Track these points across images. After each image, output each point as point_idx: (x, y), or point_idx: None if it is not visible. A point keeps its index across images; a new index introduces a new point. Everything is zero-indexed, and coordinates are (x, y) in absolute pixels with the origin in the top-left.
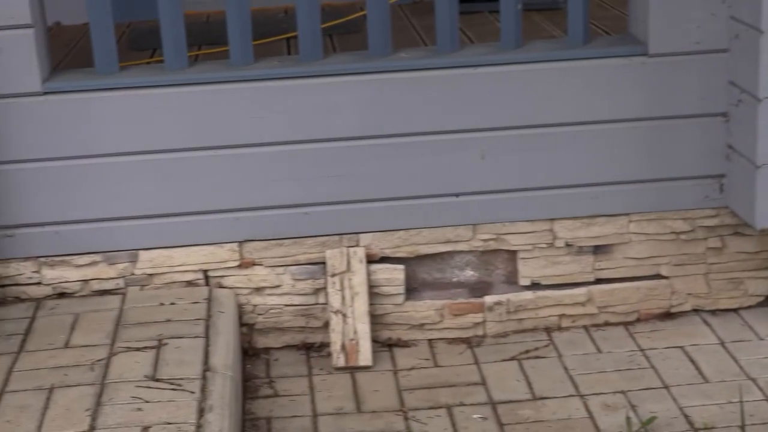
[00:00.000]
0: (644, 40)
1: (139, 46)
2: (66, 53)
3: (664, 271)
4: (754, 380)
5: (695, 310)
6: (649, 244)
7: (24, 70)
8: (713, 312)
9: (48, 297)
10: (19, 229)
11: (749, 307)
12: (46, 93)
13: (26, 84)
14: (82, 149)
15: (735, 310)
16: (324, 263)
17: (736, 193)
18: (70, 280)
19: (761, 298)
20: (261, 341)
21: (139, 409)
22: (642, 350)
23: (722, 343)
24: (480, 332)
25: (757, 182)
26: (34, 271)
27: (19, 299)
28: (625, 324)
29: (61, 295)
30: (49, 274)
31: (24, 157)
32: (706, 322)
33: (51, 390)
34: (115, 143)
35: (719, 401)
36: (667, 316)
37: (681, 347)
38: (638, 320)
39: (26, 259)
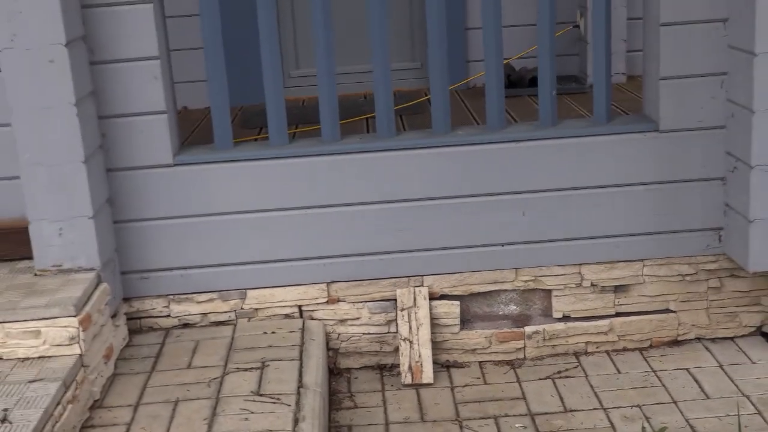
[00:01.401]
0: (656, 119)
1: (249, 125)
2: (191, 131)
3: (672, 306)
4: (748, 397)
5: (698, 339)
6: (659, 284)
7: (159, 146)
8: (713, 340)
9: (174, 327)
10: (153, 273)
11: (743, 336)
12: (176, 165)
13: (161, 158)
14: (203, 209)
15: (731, 339)
16: (395, 300)
17: (732, 242)
18: (192, 314)
19: (753, 329)
20: (344, 363)
21: (246, 419)
22: (654, 371)
23: (721, 366)
24: (521, 356)
25: (750, 234)
26: (164, 306)
27: (152, 329)
28: (640, 350)
29: (185, 325)
30: (176, 308)
31: (158, 215)
32: (707, 349)
33: (176, 402)
34: (229, 204)
35: (719, 414)
36: (675, 343)
37: (686, 369)
38: (651, 346)
39: (158, 296)
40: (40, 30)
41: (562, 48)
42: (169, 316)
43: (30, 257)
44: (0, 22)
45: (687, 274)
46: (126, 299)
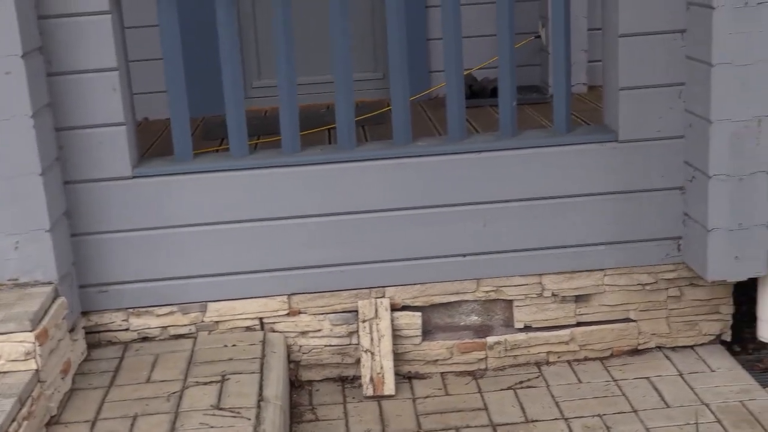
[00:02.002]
0: (615, 129)
1: (211, 136)
2: (152, 143)
3: (632, 316)
4: (707, 405)
5: (658, 347)
6: (620, 294)
7: (118, 158)
8: (673, 349)
9: (134, 341)
10: (112, 286)
11: (703, 344)
12: (135, 177)
13: (120, 170)
14: (162, 221)
15: (691, 347)
16: (356, 311)
17: (691, 251)
18: (152, 327)
19: (713, 337)
20: (305, 375)
21: None
22: (615, 381)
23: (681, 375)
24: (483, 366)
25: (708, 243)
26: (123, 320)
27: (111, 342)
28: (601, 359)
29: (145, 339)
30: (135, 322)
31: (117, 228)
32: (667, 357)
33: (135, 418)
34: (189, 216)
35: (679, 423)
36: (636, 352)
37: (647, 378)
38: (612, 356)
39: (117, 310)
40: None
41: (524, 58)
42: (128, 329)
43: None
44: None
45: (647, 284)
46: (84, 313)
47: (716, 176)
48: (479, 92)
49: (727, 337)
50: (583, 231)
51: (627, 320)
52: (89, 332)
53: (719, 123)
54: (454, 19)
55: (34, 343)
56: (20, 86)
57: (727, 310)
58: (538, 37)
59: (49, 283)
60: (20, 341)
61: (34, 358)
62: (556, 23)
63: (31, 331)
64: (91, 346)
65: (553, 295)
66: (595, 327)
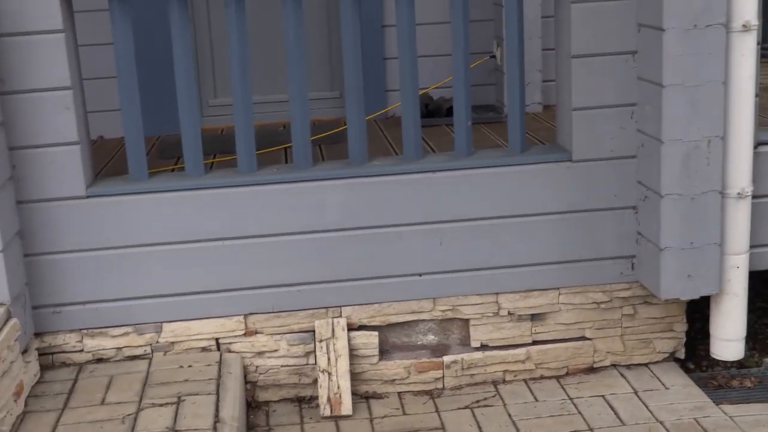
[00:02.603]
0: (569, 149)
1: (167, 155)
2: (107, 161)
3: (588, 334)
4: (662, 423)
5: (613, 365)
6: (575, 312)
7: (71, 178)
8: (628, 366)
9: (88, 362)
10: (66, 307)
11: (657, 362)
12: (88, 197)
13: (73, 189)
14: (117, 241)
15: (646, 365)
16: (313, 331)
17: (644, 270)
18: (107, 348)
19: (667, 355)
20: (262, 395)
21: None
22: (571, 399)
23: (636, 392)
24: (440, 386)
25: (661, 262)
26: (77, 341)
27: (64, 364)
28: (557, 377)
29: (99, 360)
30: (90, 343)
31: (70, 248)
32: (622, 375)
33: None
34: (144, 236)
35: None
36: (591, 370)
37: (602, 396)
38: (568, 374)
39: (71, 331)
40: None
41: (480, 78)
42: (82, 350)
43: None
44: None
45: (602, 302)
46: (37, 334)
47: (668, 195)
48: (435, 111)
49: (681, 355)
50: (538, 250)
51: (582, 338)
52: (42, 354)
53: (671, 143)
54: (410, 38)
55: None
56: None
57: (681, 327)
58: (493, 56)
59: (1, 304)
60: None
61: None
62: (510, 43)
63: None
64: (45, 367)
65: (509, 313)
66: (551, 345)
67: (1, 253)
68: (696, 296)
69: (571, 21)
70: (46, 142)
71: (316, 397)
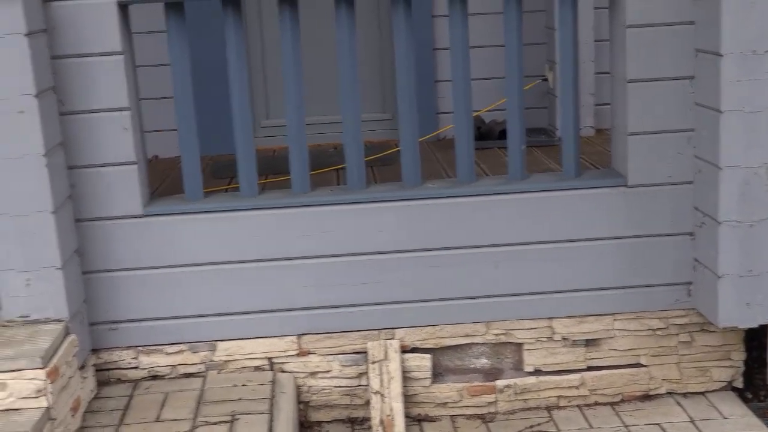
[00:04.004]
0: (624, 174)
1: (220, 175)
2: (162, 180)
3: (643, 361)
4: None
5: (669, 393)
6: (630, 338)
7: (129, 197)
8: (684, 395)
9: (143, 379)
10: (122, 324)
11: (714, 390)
12: (145, 216)
13: (130, 208)
14: (173, 260)
15: (702, 393)
16: (366, 352)
17: (701, 297)
18: (162, 365)
19: (724, 383)
20: (314, 416)
21: None
22: (626, 426)
23: (692, 421)
24: (493, 410)
25: (718, 289)
26: (133, 358)
27: (120, 380)
28: (612, 404)
29: (154, 377)
30: (145, 360)
31: (127, 266)
32: (678, 403)
33: None
34: (200, 255)
35: None
36: (646, 397)
37: (658, 424)
38: (622, 401)
39: (127, 347)
40: (10, 81)
41: (531, 101)
42: (137, 367)
43: None
44: None
45: (657, 329)
46: (94, 350)
47: (726, 222)
48: (487, 134)
49: (739, 384)
50: (593, 275)
51: (638, 365)
52: (99, 370)
53: (729, 169)
54: (463, 61)
55: (45, 380)
56: (33, 125)
57: (739, 356)
58: (545, 80)
59: (60, 320)
60: (31, 378)
61: (45, 395)
62: (564, 67)
63: (42, 369)
64: (101, 383)
65: (564, 338)
66: (606, 371)
67: (60, 271)
68: (754, 325)
69: (626, 46)
70: (105, 161)
71: (369, 419)
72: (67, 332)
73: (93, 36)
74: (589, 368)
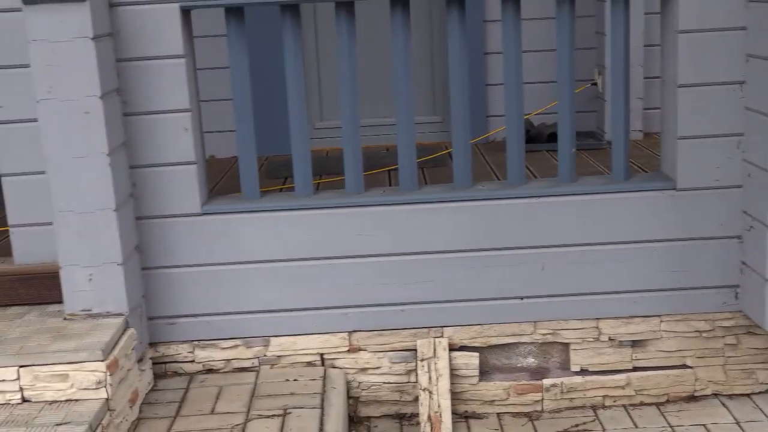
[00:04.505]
0: (674, 178)
1: (275, 175)
2: (219, 180)
3: (689, 362)
4: None
5: (715, 395)
6: (677, 340)
7: (188, 196)
8: (730, 396)
9: (199, 372)
10: (179, 319)
11: (760, 393)
12: (204, 214)
13: (189, 207)
14: (229, 257)
15: (748, 395)
16: (415, 350)
17: (748, 300)
18: (217, 359)
19: None
20: (364, 411)
21: None
22: (671, 427)
23: (738, 423)
24: (539, 408)
25: (766, 292)
26: (189, 352)
27: (176, 374)
28: (657, 404)
29: (209, 371)
30: (201, 354)
31: (185, 263)
32: (724, 405)
33: None
34: (255, 253)
35: None
36: (692, 398)
37: (704, 425)
38: (668, 401)
39: (183, 342)
40: (77, 82)
41: (580, 105)
42: (193, 361)
43: (60, 301)
44: (38, 75)
45: (704, 331)
46: (152, 344)
47: None
48: (536, 137)
49: None
50: (640, 277)
51: (683, 366)
52: (156, 363)
53: None
54: (516, 65)
55: (105, 372)
56: (98, 125)
57: None
58: (594, 84)
59: (120, 314)
60: (92, 370)
61: (105, 387)
62: (615, 71)
63: (102, 361)
64: (158, 376)
65: (610, 339)
66: (652, 372)
67: (121, 266)
68: None
69: (677, 51)
70: (165, 161)
71: (417, 415)
72: (126, 326)
73: (156, 39)
74: (635, 368)
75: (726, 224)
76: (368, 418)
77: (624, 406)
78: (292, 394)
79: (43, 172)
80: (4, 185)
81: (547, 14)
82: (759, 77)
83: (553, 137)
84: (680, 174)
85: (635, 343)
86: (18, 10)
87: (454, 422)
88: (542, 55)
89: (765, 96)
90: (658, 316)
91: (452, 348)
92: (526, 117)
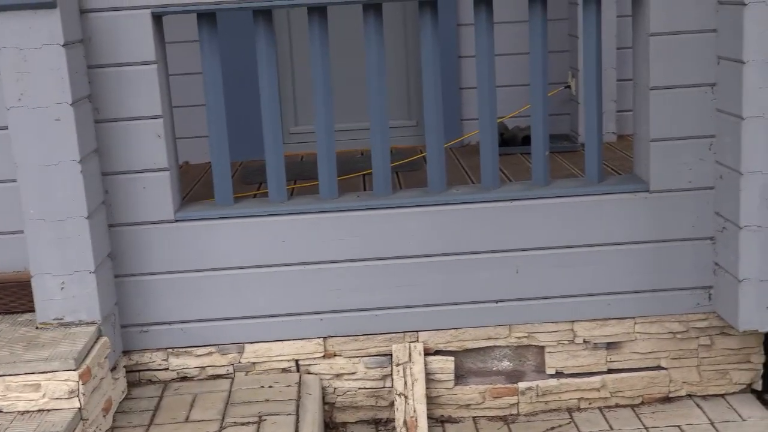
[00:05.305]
0: (646, 180)
1: (249, 180)
2: (192, 186)
3: (663, 363)
4: None
5: (689, 396)
6: (651, 342)
7: (161, 202)
8: (704, 397)
9: (173, 380)
10: (153, 326)
11: (734, 393)
12: (177, 221)
13: (162, 213)
14: (204, 264)
15: (722, 396)
16: (390, 355)
17: (722, 301)
18: (191, 367)
19: (744, 386)
20: (340, 417)
21: None
22: (646, 428)
23: (712, 423)
24: (514, 411)
25: (739, 293)
26: (162, 359)
27: (150, 381)
28: (632, 406)
29: (184, 378)
30: (175, 361)
31: (158, 270)
32: (698, 406)
33: None
34: (229, 259)
35: None
36: (667, 400)
37: (678, 426)
38: (643, 403)
39: (157, 349)
40: (47, 89)
41: (554, 107)
42: (167, 369)
43: (32, 310)
44: (8, 82)
45: (678, 332)
46: (125, 352)
47: (747, 227)
48: (510, 140)
49: (758, 386)
50: (614, 279)
51: (658, 368)
52: (130, 371)
53: (750, 175)
54: (489, 69)
55: (77, 381)
56: (69, 133)
57: (758, 359)
58: (568, 87)
59: (93, 322)
60: (64, 380)
61: (78, 396)
62: (588, 74)
63: (75, 370)
64: (132, 384)
65: (585, 341)
66: (626, 374)
67: (93, 274)
68: None
69: (649, 53)
70: (138, 168)
71: (393, 420)
72: (99, 334)
73: (128, 46)
74: (610, 371)
75: (698, 225)
76: (344, 423)
77: (599, 408)
78: (267, 400)
79: (14, 180)
80: None
81: (520, 18)
82: (730, 79)
83: (527, 140)
84: (653, 176)
85: (610, 345)
86: None
87: (430, 427)
88: (515, 58)
89: (736, 98)
90: (632, 317)
91: (427, 352)
92: (499, 120)
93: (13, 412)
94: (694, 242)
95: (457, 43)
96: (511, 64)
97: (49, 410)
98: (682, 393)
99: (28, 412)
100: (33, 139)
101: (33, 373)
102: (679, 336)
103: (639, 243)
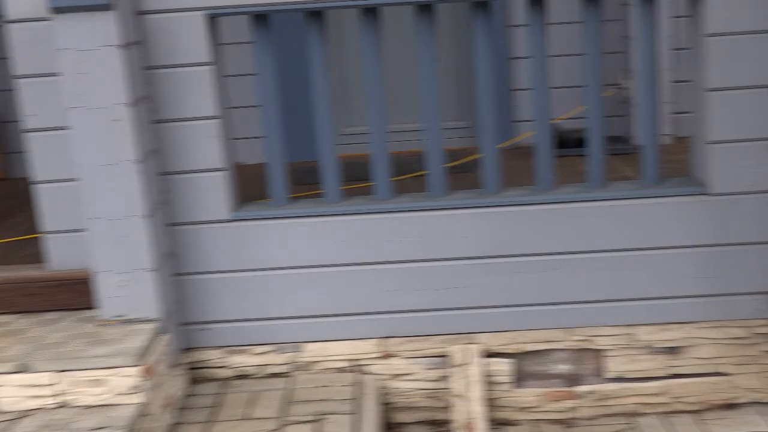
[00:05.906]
0: (705, 183)
1: (302, 181)
2: (248, 186)
3: (725, 369)
4: None
5: (752, 403)
6: (713, 347)
7: (218, 203)
8: (767, 404)
9: (231, 378)
10: (212, 325)
11: None
12: (233, 220)
13: (219, 213)
14: (259, 263)
15: None
16: (448, 356)
17: None
18: (249, 365)
19: None
20: (397, 417)
21: None
22: None
23: None
24: (573, 415)
25: None
26: (221, 357)
27: (209, 379)
28: (694, 412)
29: (242, 376)
30: (233, 359)
31: (216, 269)
32: (761, 413)
33: None
34: (285, 259)
35: None
36: (729, 406)
37: None
38: (705, 409)
39: (216, 347)
40: (106, 90)
41: (608, 109)
42: (226, 367)
43: (92, 307)
44: (67, 83)
45: (740, 337)
46: (186, 350)
47: None
48: (564, 142)
49: None
50: (674, 283)
51: (720, 374)
52: (190, 368)
53: None
54: (543, 70)
55: (140, 377)
56: (126, 133)
57: None
58: (621, 88)
59: (154, 320)
60: (127, 375)
61: (140, 392)
62: (644, 76)
63: (137, 366)
64: (191, 381)
65: (645, 345)
66: (688, 380)
67: (152, 273)
68: None
69: (707, 54)
70: (195, 168)
71: (450, 422)
72: (160, 332)
73: (183, 47)
74: (671, 376)
75: (760, 229)
76: (401, 424)
77: (660, 413)
78: (324, 400)
79: (74, 179)
80: (39, 192)
81: (574, 18)
82: None
83: (580, 142)
84: (711, 179)
85: (670, 350)
86: (48, 19)
87: (488, 429)
88: (569, 60)
89: None
90: (693, 322)
91: (485, 354)
92: (553, 122)
93: (78, 406)
94: (755, 246)
95: (508, 44)
96: (564, 65)
97: (112, 405)
98: (745, 400)
99: (92, 406)
100: (92, 139)
101: (97, 368)
102: (741, 342)
103: (698, 246)
